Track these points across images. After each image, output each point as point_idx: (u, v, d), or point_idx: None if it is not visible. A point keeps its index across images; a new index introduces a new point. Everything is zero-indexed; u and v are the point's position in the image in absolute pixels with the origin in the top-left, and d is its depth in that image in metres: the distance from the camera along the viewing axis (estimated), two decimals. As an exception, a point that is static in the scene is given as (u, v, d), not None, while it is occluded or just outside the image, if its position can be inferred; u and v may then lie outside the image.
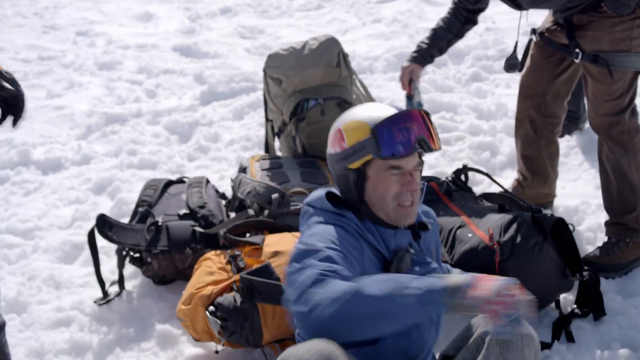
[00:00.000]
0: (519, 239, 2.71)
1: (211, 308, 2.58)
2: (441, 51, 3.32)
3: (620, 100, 2.90)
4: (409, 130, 2.00)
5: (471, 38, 6.04)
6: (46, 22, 7.69)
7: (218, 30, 7.18)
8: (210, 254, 2.82)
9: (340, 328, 1.64)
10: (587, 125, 4.27)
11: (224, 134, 4.80)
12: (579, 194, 3.67)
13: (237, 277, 2.63)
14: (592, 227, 3.32)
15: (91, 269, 3.32)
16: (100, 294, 3.13)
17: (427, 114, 2.09)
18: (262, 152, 3.92)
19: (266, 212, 3.03)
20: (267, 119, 3.73)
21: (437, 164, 4.06)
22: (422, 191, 2.11)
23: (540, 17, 3.27)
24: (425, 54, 3.29)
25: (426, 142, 2.01)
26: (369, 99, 3.63)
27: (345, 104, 3.32)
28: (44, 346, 2.87)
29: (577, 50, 2.88)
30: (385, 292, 1.62)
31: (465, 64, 5.56)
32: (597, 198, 3.54)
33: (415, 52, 3.32)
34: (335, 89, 3.36)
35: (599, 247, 3.09)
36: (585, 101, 3.06)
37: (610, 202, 3.08)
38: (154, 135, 4.84)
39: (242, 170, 3.39)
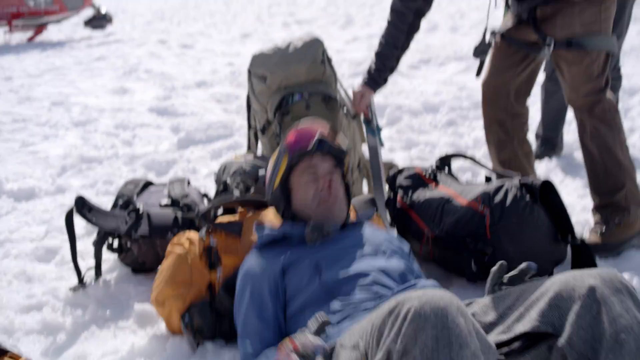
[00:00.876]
0: (508, 202, 2.68)
1: (186, 318, 2.48)
2: (392, 70, 3.32)
3: (598, 81, 2.96)
4: (309, 134, 2.37)
5: (445, 94, 6.24)
6: (21, 96, 7.74)
7: (194, 97, 7.29)
8: (184, 238, 2.65)
9: None
10: (563, 152, 4.37)
11: (202, 169, 4.76)
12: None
13: (212, 276, 2.54)
14: (581, 223, 3.30)
15: (66, 268, 3.21)
16: (75, 283, 2.98)
17: (330, 127, 2.46)
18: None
19: (252, 189, 2.96)
20: (249, 126, 3.72)
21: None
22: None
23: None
24: (378, 78, 3.30)
25: (325, 141, 2.36)
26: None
27: (330, 100, 3.32)
28: (13, 325, 2.70)
29: (548, 39, 2.95)
30: None
31: (440, 113, 5.68)
32: (582, 201, 3.58)
33: (367, 77, 3.32)
34: (320, 85, 3.37)
35: (589, 230, 3.07)
36: (563, 89, 3.11)
37: (598, 183, 3.08)
38: (131, 171, 4.77)
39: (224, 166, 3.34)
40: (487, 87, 3.34)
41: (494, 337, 1.56)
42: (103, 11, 13.87)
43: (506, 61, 3.24)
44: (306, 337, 1.70)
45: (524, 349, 1.49)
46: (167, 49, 11.41)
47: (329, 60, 3.51)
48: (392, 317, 1.37)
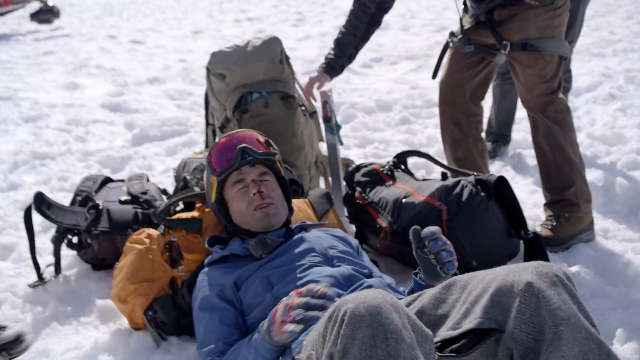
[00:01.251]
0: (464, 198, 2.78)
1: (149, 313, 2.50)
2: (350, 59, 3.38)
3: (551, 82, 3.08)
4: (232, 145, 2.41)
5: (398, 93, 6.35)
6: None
7: (147, 93, 7.24)
8: (143, 235, 2.66)
9: None
10: (512, 152, 4.51)
11: (157, 165, 4.75)
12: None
13: (174, 272, 2.58)
14: (532, 217, 3.41)
15: (24, 265, 3.19)
16: (35, 279, 2.97)
17: (254, 132, 2.52)
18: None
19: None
20: (207, 123, 3.75)
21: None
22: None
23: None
24: (335, 65, 3.35)
25: (249, 149, 2.40)
26: (309, 101, 3.71)
27: (288, 98, 3.37)
28: (-30, 322, 2.68)
29: (504, 42, 3.06)
30: None
31: (393, 112, 5.78)
32: (533, 197, 3.71)
33: (324, 63, 3.37)
34: (278, 84, 3.41)
35: (540, 224, 3.19)
36: (517, 90, 3.22)
37: (549, 180, 3.20)
38: (86, 167, 4.74)
39: (184, 163, 3.36)
40: (444, 86, 3.43)
41: (444, 332, 1.63)
42: (50, 4, 13.59)
43: (463, 63, 3.33)
44: (312, 285, 1.78)
45: (473, 344, 1.56)
46: (118, 45, 11.27)
47: (287, 59, 3.56)
48: (331, 322, 1.45)
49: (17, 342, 2.33)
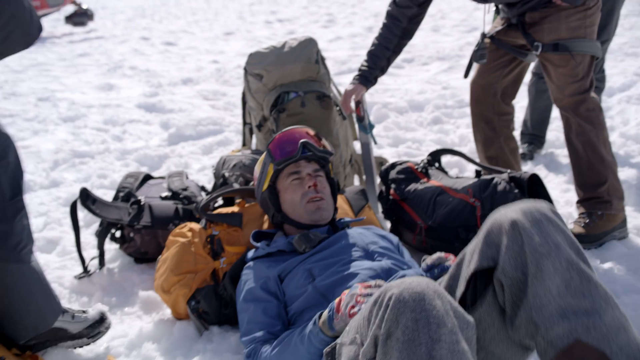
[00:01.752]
0: (498, 194, 2.83)
1: (192, 303, 2.59)
2: (383, 71, 3.44)
3: (583, 82, 3.11)
4: (294, 139, 2.54)
5: (430, 93, 6.39)
6: (6, 91, 7.75)
7: (181, 94, 7.36)
8: (186, 229, 2.77)
9: None
10: (545, 151, 4.53)
11: (193, 164, 4.85)
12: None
13: (216, 264, 2.66)
14: (565, 215, 3.45)
15: (68, 258, 3.29)
16: (80, 271, 3.08)
17: (312, 131, 2.63)
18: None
19: (251, 183, 3.07)
20: (244, 122, 3.83)
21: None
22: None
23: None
24: (369, 76, 3.41)
25: (310, 145, 2.52)
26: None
27: (324, 98, 3.44)
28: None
29: (536, 43, 3.10)
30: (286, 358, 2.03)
31: (425, 111, 5.83)
32: (565, 196, 3.74)
33: (358, 75, 3.44)
34: (315, 84, 3.49)
35: (573, 222, 3.22)
36: (549, 90, 3.26)
37: (582, 177, 3.23)
38: (124, 165, 4.86)
39: (223, 160, 3.45)
40: (475, 86, 3.48)
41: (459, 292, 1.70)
42: (84, 7, 13.84)
43: (494, 63, 3.38)
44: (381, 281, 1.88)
45: (482, 291, 1.63)
46: (151, 46, 11.46)
47: (323, 60, 3.63)
48: (376, 306, 1.50)
49: (101, 322, 2.46)
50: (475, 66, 3.46)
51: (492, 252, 1.56)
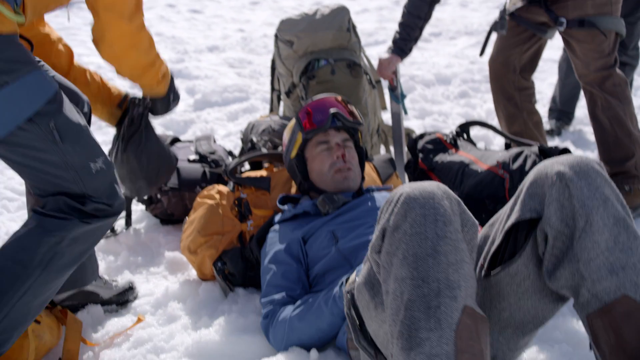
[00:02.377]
0: (527, 167, 2.81)
1: (218, 264, 2.60)
2: (416, 40, 3.44)
3: (609, 58, 3.09)
4: (324, 108, 2.53)
5: (457, 67, 6.33)
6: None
7: (207, 61, 7.35)
8: (214, 191, 2.77)
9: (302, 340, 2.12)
10: (571, 128, 4.49)
11: (219, 129, 4.86)
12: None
13: (243, 226, 2.67)
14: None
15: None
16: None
17: (343, 100, 2.62)
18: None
19: (280, 148, 3.07)
20: (272, 89, 3.82)
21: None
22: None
23: None
24: (404, 47, 3.41)
25: (340, 115, 2.51)
26: (373, 70, 3.76)
27: (354, 66, 3.43)
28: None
29: (560, 19, 3.07)
30: (308, 324, 2.08)
31: (452, 85, 5.78)
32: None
33: (393, 45, 3.44)
34: (345, 52, 3.47)
35: None
36: (573, 65, 3.23)
37: (608, 153, 3.21)
38: (150, 129, 4.87)
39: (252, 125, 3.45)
40: (494, 64, 3.49)
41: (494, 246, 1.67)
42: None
43: (513, 39, 3.38)
44: None
45: (522, 244, 1.60)
46: (177, 13, 11.41)
47: (354, 28, 3.61)
48: (387, 204, 1.53)
49: (130, 290, 2.52)
50: (492, 44, 3.45)
51: (535, 204, 1.54)
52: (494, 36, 3.47)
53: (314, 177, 2.56)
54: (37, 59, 1.91)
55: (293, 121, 2.63)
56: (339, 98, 2.63)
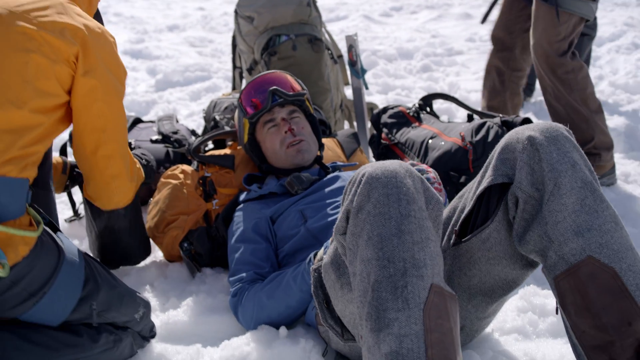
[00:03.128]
0: (490, 138, 2.82)
1: (185, 245, 2.57)
2: None
3: (562, 43, 3.07)
4: (262, 88, 2.52)
5: (419, 41, 6.34)
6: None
7: (167, 41, 7.26)
8: (178, 171, 2.74)
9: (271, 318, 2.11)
10: (533, 99, 4.54)
11: (182, 109, 4.81)
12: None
13: (208, 205, 2.65)
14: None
15: (58, 201, 3.26)
16: (71, 214, 3.07)
17: (282, 73, 2.61)
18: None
19: (243, 126, 3.05)
20: (234, 66, 3.79)
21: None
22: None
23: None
24: None
25: (280, 91, 2.49)
26: (335, 45, 3.75)
27: (316, 41, 3.41)
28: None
29: None
30: (277, 301, 2.07)
31: (414, 59, 5.79)
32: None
33: None
34: (306, 27, 3.44)
35: None
36: (531, 44, 3.24)
37: None
38: (111, 111, 4.80)
39: (214, 103, 3.41)
40: (494, 38, 3.50)
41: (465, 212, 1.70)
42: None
43: (513, 15, 3.38)
44: None
45: (494, 208, 1.62)
46: (135, -7, 11.25)
47: (315, 3, 3.58)
48: (350, 185, 1.52)
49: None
50: (496, 17, 3.44)
51: (507, 169, 1.56)
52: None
53: (270, 158, 2.55)
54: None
55: (237, 110, 2.62)
56: (277, 72, 2.61)
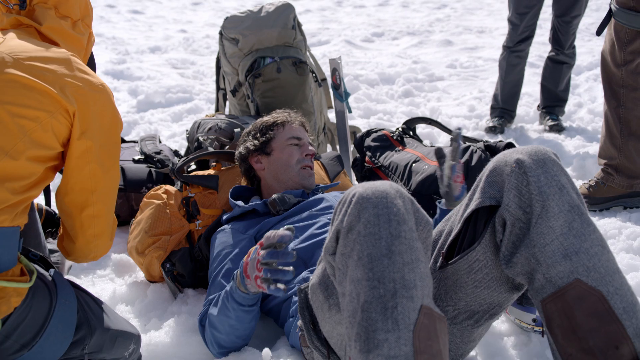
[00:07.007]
0: (473, 162, 2.85)
1: (167, 265, 2.54)
2: None
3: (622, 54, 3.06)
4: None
5: (400, 67, 6.39)
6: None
7: (149, 62, 7.25)
8: (161, 191, 2.73)
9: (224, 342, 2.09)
10: (513, 125, 4.58)
11: (163, 130, 4.79)
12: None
13: (191, 226, 2.64)
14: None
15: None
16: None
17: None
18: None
19: (227, 147, 3.04)
20: (218, 87, 3.79)
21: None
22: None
23: None
24: None
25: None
26: (319, 69, 3.77)
27: (300, 64, 3.42)
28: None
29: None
30: (220, 321, 2.04)
31: (396, 84, 5.83)
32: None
33: None
34: (291, 50, 3.46)
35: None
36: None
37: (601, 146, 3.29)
38: (92, 131, 4.77)
39: (198, 124, 3.40)
40: (604, 56, 3.32)
41: (450, 237, 1.71)
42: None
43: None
44: (269, 232, 1.80)
45: (481, 231, 1.62)
46: (117, 14, 11.25)
47: (300, 26, 3.60)
48: (340, 205, 1.52)
49: None
50: (606, 33, 3.34)
51: (495, 192, 1.57)
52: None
53: (277, 166, 2.55)
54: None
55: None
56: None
